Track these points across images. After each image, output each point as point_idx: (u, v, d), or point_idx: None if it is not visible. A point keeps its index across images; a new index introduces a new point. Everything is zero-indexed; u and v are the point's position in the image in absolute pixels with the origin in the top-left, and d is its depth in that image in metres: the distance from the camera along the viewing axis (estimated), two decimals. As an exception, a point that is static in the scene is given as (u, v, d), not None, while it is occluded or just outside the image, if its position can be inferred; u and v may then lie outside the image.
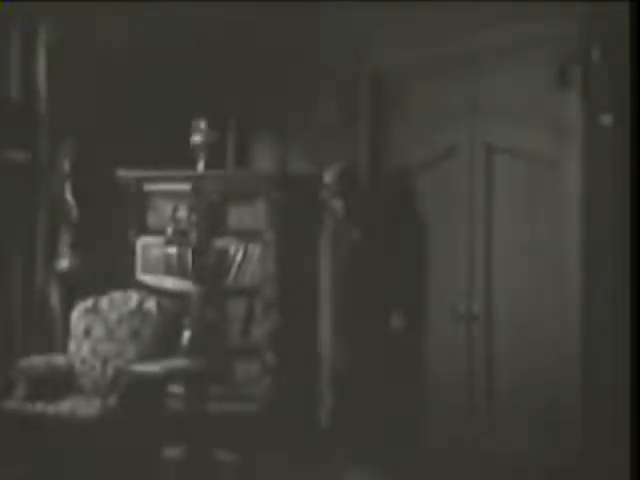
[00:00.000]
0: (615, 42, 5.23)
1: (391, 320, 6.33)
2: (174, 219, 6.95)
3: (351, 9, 6.64)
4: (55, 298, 7.01)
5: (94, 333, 6.49)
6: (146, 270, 7.11)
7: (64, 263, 7.02)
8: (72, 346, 6.52)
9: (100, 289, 6.67)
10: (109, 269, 7.01)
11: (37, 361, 6.37)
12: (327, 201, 6.44)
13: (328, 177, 6.40)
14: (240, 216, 7.04)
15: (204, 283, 6.86)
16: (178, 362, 6.26)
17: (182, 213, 6.95)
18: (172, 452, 6.22)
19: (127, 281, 6.99)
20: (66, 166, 6.98)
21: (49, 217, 7.07)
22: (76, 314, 6.59)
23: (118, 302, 6.57)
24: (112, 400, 5.87)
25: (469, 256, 6.14)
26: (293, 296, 6.95)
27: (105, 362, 6.38)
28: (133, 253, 7.14)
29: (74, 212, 7.00)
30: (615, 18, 5.20)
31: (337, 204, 6.39)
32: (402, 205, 6.57)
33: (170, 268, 7.03)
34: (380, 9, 6.45)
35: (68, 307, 6.73)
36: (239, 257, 7.02)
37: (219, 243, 7.02)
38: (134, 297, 6.58)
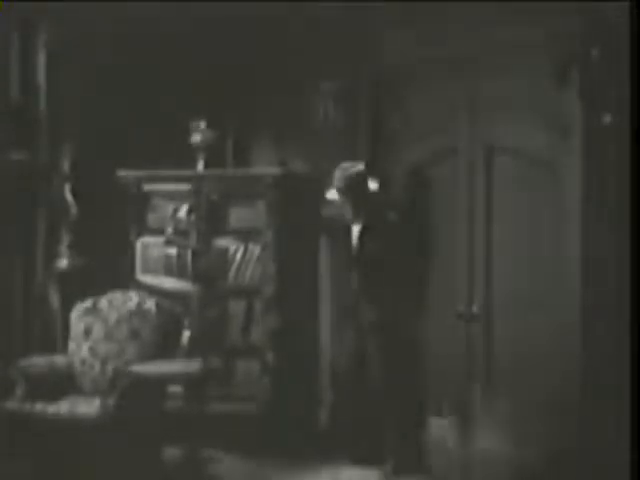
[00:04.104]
0: (615, 42, 5.22)
1: (391, 320, 6.31)
2: (174, 219, 6.96)
3: (351, 9, 6.64)
4: (55, 298, 7.01)
5: (94, 333, 6.49)
6: (146, 270, 7.10)
7: (64, 263, 7.03)
8: (72, 346, 6.53)
9: (100, 289, 6.67)
10: (109, 269, 7.01)
11: (37, 361, 6.37)
12: (339, 201, 6.41)
13: (340, 176, 6.35)
14: (240, 216, 7.04)
15: (204, 283, 6.87)
16: (178, 362, 6.26)
17: (182, 213, 6.97)
18: (172, 452, 6.22)
19: (127, 281, 6.99)
20: (66, 166, 7.00)
21: (49, 217, 7.07)
22: (75, 314, 6.59)
23: (118, 302, 6.57)
24: (112, 400, 5.86)
25: (469, 256, 6.14)
26: (293, 296, 6.95)
27: (105, 362, 6.38)
28: (133, 253, 7.14)
29: (74, 212, 7.01)
30: (615, 18, 5.20)
31: (347, 204, 6.37)
32: (402, 205, 6.57)
33: (170, 268, 7.03)
34: (380, 9, 6.45)
35: (68, 307, 6.73)
36: (239, 257, 7.01)
37: (219, 243, 7.03)
38: (134, 297, 6.57)
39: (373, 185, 6.38)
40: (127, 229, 7.16)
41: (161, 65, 7.20)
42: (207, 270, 6.92)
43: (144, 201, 7.18)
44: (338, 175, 6.34)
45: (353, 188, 6.31)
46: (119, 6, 6.82)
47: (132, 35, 7.07)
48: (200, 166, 7.18)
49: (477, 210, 6.11)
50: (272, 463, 6.47)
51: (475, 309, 6.08)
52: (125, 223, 7.15)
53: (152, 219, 7.18)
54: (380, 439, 6.31)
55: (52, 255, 7.06)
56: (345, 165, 6.38)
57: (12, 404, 6.02)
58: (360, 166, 6.37)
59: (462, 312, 6.13)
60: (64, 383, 6.29)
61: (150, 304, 6.49)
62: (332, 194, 6.42)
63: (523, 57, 5.78)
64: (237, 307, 7.05)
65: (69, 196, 7.01)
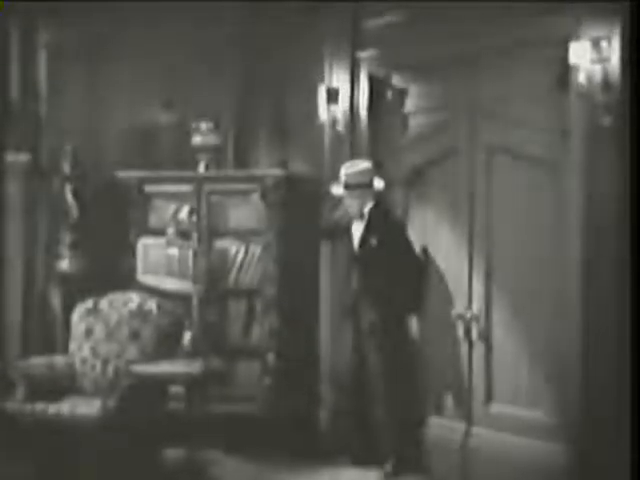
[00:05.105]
0: (614, 42, 5.22)
1: (391, 320, 6.31)
2: (175, 220, 6.97)
3: (351, 9, 6.65)
4: (55, 299, 7.03)
5: (95, 334, 6.51)
6: (147, 271, 7.12)
7: (65, 264, 7.04)
8: (72, 347, 6.54)
9: (100, 290, 6.68)
10: (109, 270, 7.03)
11: (37, 361, 6.39)
12: (344, 196, 6.41)
13: (347, 172, 6.35)
14: (241, 217, 7.05)
15: (205, 284, 6.87)
16: (178, 363, 6.26)
17: (183, 214, 6.97)
18: (173, 453, 6.23)
19: (127, 282, 7.00)
20: (66, 167, 7.00)
21: (50, 218, 7.09)
22: (76, 315, 6.61)
23: (118, 303, 6.59)
24: (112, 401, 5.87)
25: (469, 256, 6.13)
26: (293, 297, 6.96)
27: (105, 363, 6.39)
28: (134, 254, 7.14)
29: (74, 213, 7.02)
30: (613, 18, 5.20)
31: (351, 200, 6.37)
32: (402, 205, 6.57)
33: (171, 269, 7.04)
34: (380, 9, 6.45)
35: (68, 308, 6.75)
36: (240, 258, 7.02)
37: (220, 244, 7.04)
38: (135, 298, 6.59)
39: (379, 183, 6.39)
40: (128, 230, 7.17)
41: (161, 65, 7.21)
42: (208, 271, 6.93)
43: (145, 202, 7.19)
44: (345, 170, 6.35)
45: (359, 184, 6.32)
46: (118, 6, 6.83)
47: (132, 35, 7.08)
48: (201, 167, 7.19)
49: (477, 210, 6.10)
50: (272, 463, 6.47)
51: (475, 309, 6.08)
52: (126, 224, 7.16)
53: (153, 220, 7.19)
54: (380, 439, 6.32)
55: (53, 256, 7.07)
56: (352, 162, 6.41)
57: (12, 405, 6.04)
58: (367, 163, 6.39)
59: (462, 312, 6.13)
60: (64, 384, 6.30)
61: (151, 305, 6.51)
62: (337, 189, 6.43)
63: (523, 57, 5.77)
64: (238, 308, 7.06)
65: (70, 197, 7.02)
